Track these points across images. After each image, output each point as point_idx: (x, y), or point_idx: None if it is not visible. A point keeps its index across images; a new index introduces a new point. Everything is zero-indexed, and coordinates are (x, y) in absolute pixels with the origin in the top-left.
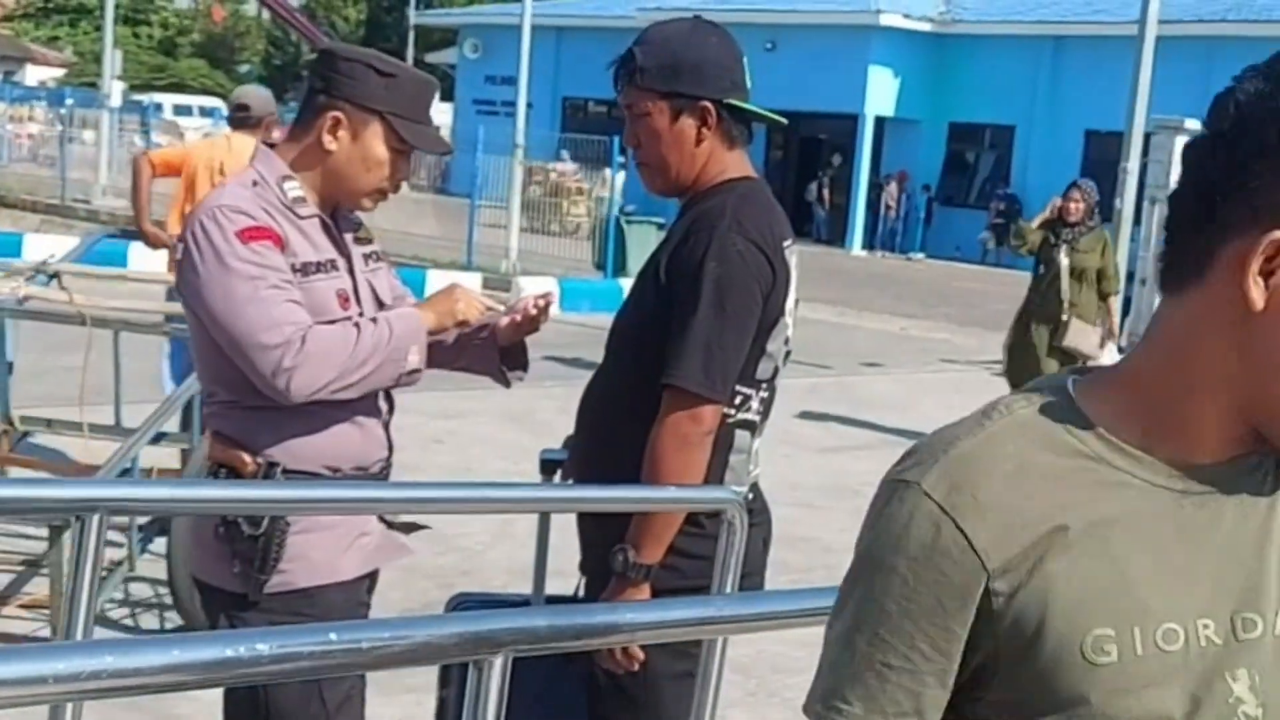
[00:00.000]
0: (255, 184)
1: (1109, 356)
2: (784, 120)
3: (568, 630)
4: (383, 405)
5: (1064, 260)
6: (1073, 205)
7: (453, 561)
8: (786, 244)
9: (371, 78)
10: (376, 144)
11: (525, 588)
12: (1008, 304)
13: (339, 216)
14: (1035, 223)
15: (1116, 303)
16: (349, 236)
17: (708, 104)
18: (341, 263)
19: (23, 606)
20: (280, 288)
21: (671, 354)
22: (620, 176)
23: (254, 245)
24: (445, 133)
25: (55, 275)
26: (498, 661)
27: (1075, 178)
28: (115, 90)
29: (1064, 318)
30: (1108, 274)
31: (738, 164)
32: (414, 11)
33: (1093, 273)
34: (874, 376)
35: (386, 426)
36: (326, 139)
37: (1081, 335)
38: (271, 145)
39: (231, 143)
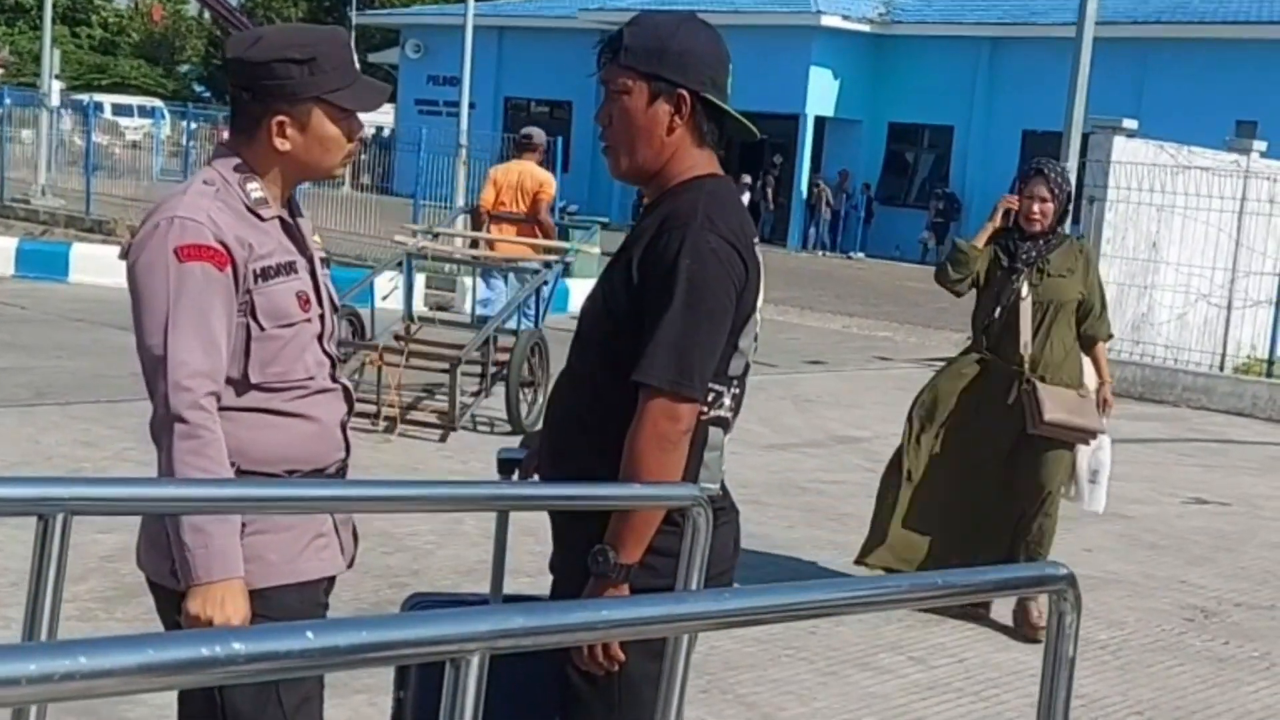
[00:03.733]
0: (217, 189)
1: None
2: (755, 132)
3: (546, 628)
4: (342, 406)
5: (1025, 290)
6: (1036, 208)
7: (402, 561)
8: (755, 241)
9: (293, 70)
10: (325, 125)
11: (474, 587)
12: (948, 301)
13: (295, 215)
14: (980, 238)
15: (1104, 353)
16: (308, 236)
17: (685, 93)
18: (302, 263)
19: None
20: (198, 316)
21: (647, 353)
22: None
23: (189, 265)
24: (387, 133)
25: (436, 235)
26: (474, 660)
27: (1040, 163)
28: (54, 90)
29: (1026, 383)
30: (1094, 307)
31: (706, 161)
32: (355, 12)
33: (1071, 306)
34: (818, 374)
35: (344, 427)
36: (278, 142)
37: (1065, 404)
38: (222, 144)
39: (521, 164)
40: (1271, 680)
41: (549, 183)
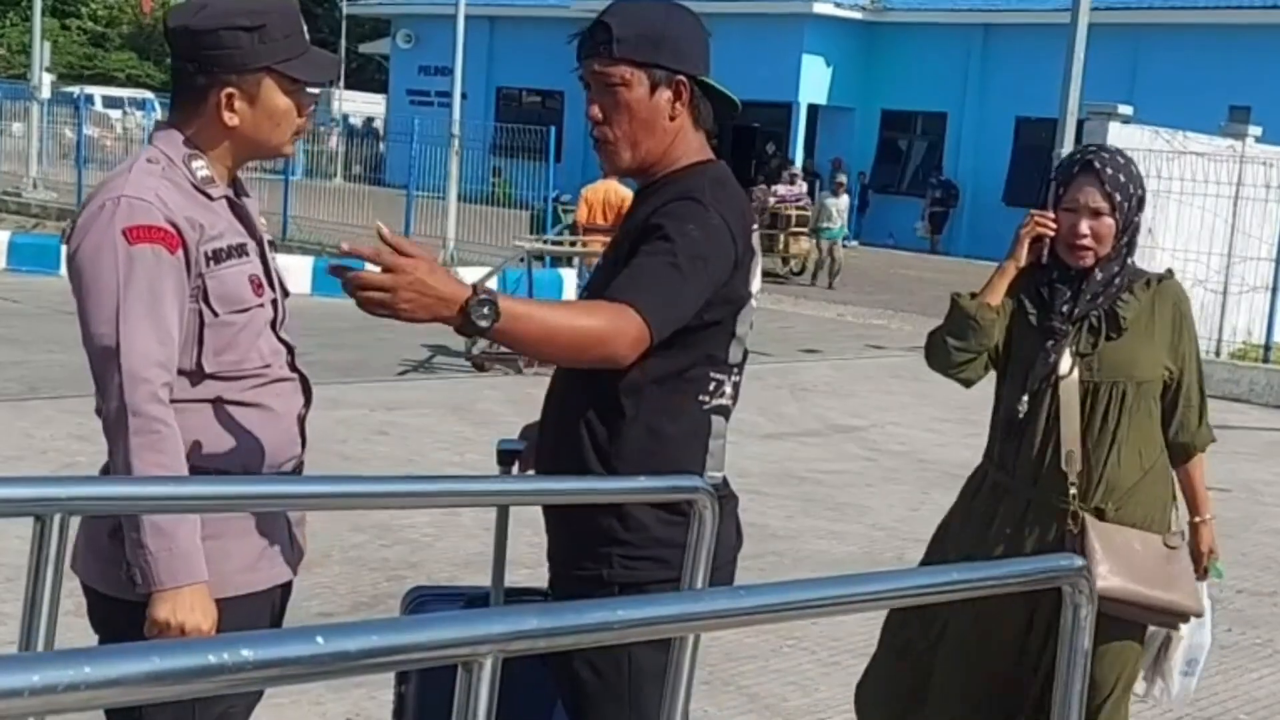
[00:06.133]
0: (162, 167)
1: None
2: (738, 104)
3: (559, 629)
4: (299, 397)
5: (1066, 363)
6: (1084, 227)
7: (400, 553)
8: (754, 228)
9: (242, 39)
10: (275, 97)
11: (473, 579)
12: (943, 290)
13: (240, 196)
14: (993, 290)
15: (1202, 472)
16: (255, 217)
17: (684, 79)
18: (252, 246)
19: None
20: (151, 302)
21: (644, 280)
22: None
23: (139, 247)
24: (379, 124)
25: (546, 241)
26: (488, 663)
27: (1091, 151)
28: (45, 83)
29: (1072, 518)
30: (1187, 394)
31: (702, 147)
32: (346, 2)
33: (1152, 390)
34: (813, 363)
35: (302, 422)
36: (226, 116)
37: (1134, 559)
38: (161, 123)
39: (606, 183)
40: (1275, 667)
41: (630, 197)
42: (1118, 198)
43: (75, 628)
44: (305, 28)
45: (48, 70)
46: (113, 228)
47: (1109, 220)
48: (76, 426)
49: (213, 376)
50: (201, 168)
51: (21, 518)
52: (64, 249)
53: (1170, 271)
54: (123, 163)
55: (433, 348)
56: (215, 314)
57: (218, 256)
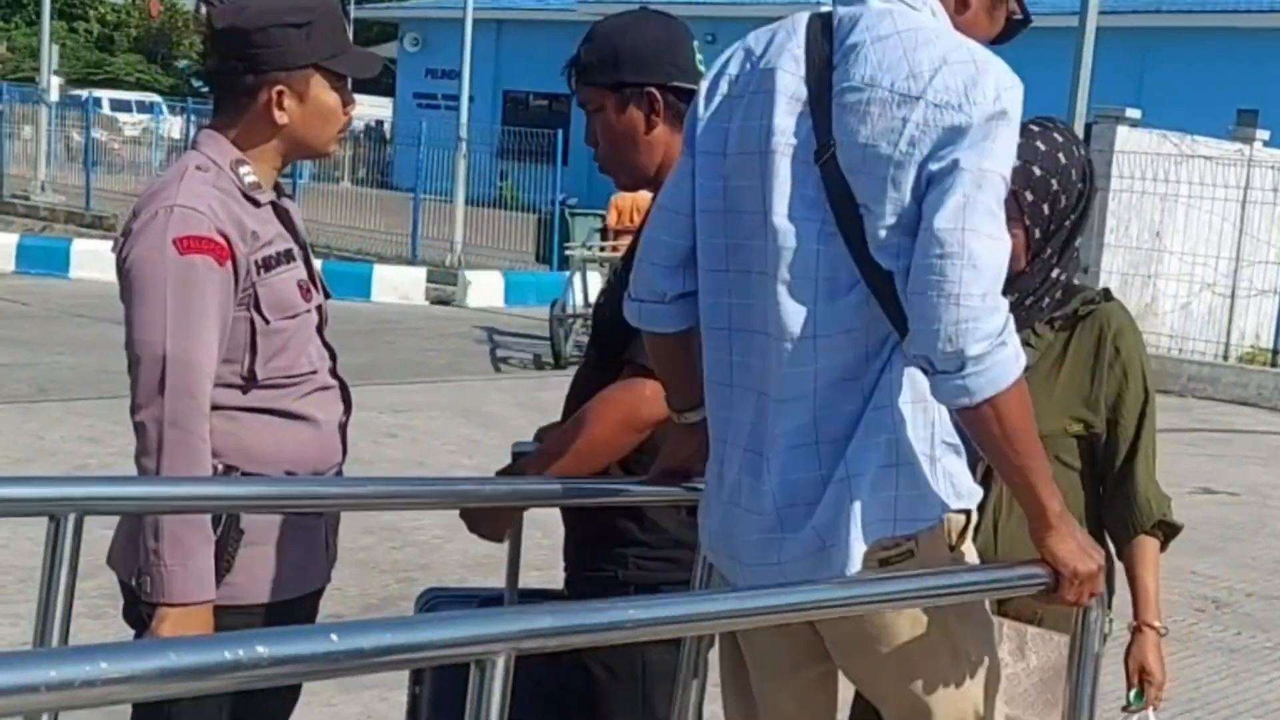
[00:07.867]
0: (212, 175)
1: None
2: None
3: (571, 628)
4: (339, 404)
5: None
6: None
7: (410, 556)
8: None
9: (291, 36)
10: (324, 93)
11: (484, 581)
12: None
13: (281, 198)
14: None
15: (1152, 562)
16: (298, 221)
17: (653, 90)
18: (297, 251)
19: None
20: (200, 314)
21: (637, 339)
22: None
23: (190, 258)
24: (386, 127)
25: (589, 247)
26: (500, 661)
27: None
28: (53, 86)
29: None
30: (1117, 449)
31: None
32: (354, 5)
33: (1054, 449)
34: None
35: (343, 429)
36: (277, 114)
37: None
38: (205, 127)
39: (636, 194)
40: None
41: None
42: (1029, 197)
43: (89, 629)
44: (346, 25)
45: (56, 73)
46: (164, 237)
47: (1018, 232)
48: (87, 428)
49: (263, 385)
50: (249, 173)
51: (33, 518)
52: (118, 252)
53: (1107, 293)
54: (171, 168)
55: None
56: (266, 321)
57: (268, 264)
